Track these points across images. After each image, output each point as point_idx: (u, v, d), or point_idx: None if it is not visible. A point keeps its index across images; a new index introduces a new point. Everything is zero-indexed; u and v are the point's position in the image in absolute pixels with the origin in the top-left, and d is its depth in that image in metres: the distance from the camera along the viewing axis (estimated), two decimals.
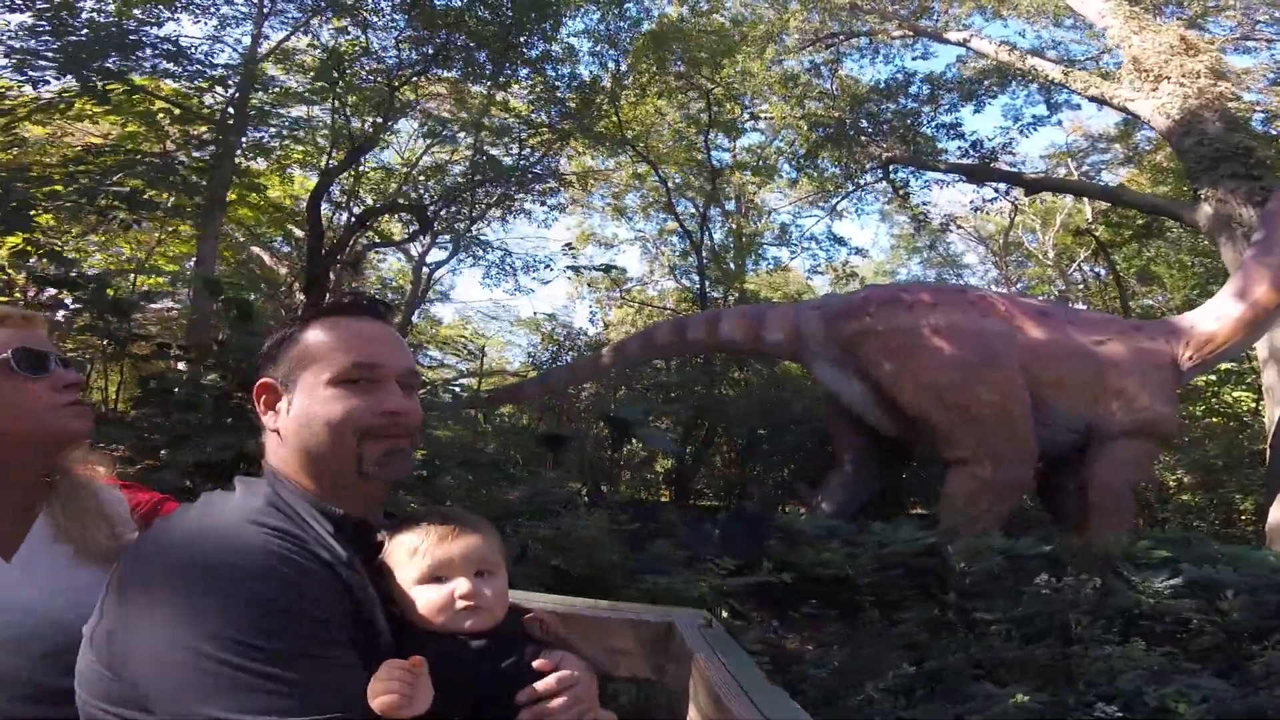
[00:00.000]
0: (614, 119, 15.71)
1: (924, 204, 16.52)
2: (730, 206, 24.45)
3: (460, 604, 0.95)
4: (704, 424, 11.81)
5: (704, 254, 15.59)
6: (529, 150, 13.90)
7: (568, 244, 15.07)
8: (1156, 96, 10.38)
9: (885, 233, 27.93)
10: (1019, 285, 19.53)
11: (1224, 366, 10.64)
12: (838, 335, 7.53)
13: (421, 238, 11.95)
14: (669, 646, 1.59)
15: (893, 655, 4.82)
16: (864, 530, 6.52)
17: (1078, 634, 4.93)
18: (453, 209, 12.43)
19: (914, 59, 17.90)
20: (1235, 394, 11.11)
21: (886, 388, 7.19)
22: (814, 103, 16.49)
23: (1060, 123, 16.90)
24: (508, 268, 15.00)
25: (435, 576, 0.96)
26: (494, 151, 13.61)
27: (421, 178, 14.47)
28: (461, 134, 14.40)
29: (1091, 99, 12.06)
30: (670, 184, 18.65)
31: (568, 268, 15.41)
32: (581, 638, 1.16)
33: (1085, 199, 16.46)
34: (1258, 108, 11.38)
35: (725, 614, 5.49)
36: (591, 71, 15.49)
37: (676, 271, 24.12)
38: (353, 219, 11.38)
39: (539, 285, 38.58)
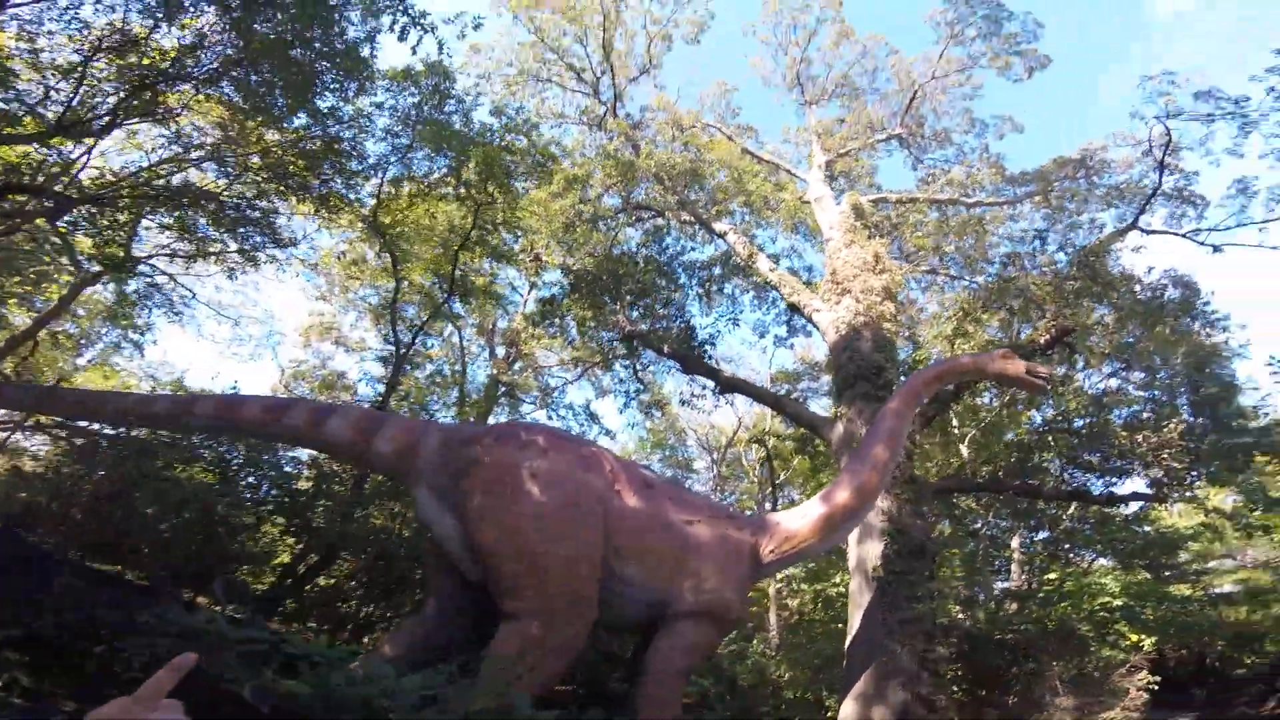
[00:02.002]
0: (377, 200, 14.74)
1: (644, 388, 16.69)
2: (501, 351, 23.70)
3: None
4: None
5: (401, 366, 14.06)
6: (247, 194, 12.32)
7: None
8: (837, 310, 10.91)
9: (642, 425, 28.76)
10: (732, 497, 20.21)
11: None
12: (452, 461, 6.57)
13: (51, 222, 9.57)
14: None
15: None
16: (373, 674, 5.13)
17: None
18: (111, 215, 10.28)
19: (690, 249, 18.74)
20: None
21: (471, 523, 6.19)
22: (588, 257, 16.63)
23: (792, 346, 18.56)
24: (143, 305, 12.62)
25: None
26: (200, 180, 11.88)
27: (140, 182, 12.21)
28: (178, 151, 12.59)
29: (790, 306, 12.87)
30: (415, 290, 17.53)
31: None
32: None
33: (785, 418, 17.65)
34: (903, 332, 12.62)
35: None
36: (377, 151, 14.61)
37: (422, 386, 22.34)
38: None
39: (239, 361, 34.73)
